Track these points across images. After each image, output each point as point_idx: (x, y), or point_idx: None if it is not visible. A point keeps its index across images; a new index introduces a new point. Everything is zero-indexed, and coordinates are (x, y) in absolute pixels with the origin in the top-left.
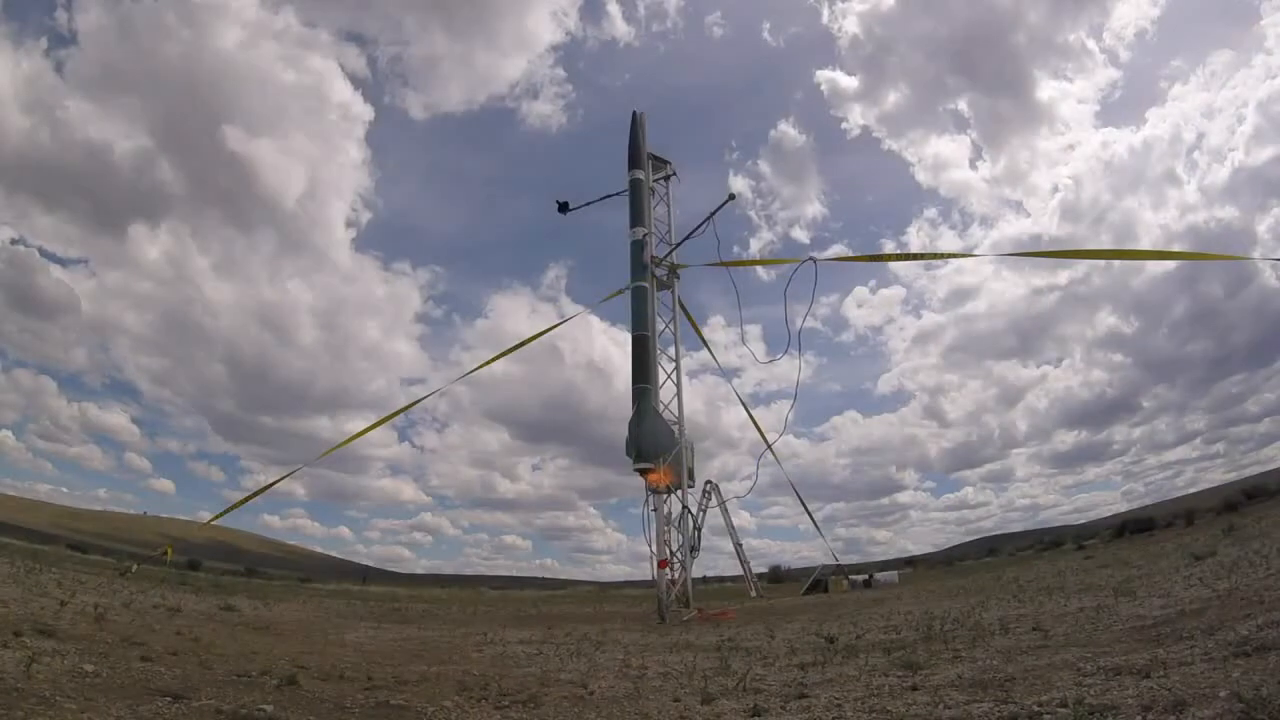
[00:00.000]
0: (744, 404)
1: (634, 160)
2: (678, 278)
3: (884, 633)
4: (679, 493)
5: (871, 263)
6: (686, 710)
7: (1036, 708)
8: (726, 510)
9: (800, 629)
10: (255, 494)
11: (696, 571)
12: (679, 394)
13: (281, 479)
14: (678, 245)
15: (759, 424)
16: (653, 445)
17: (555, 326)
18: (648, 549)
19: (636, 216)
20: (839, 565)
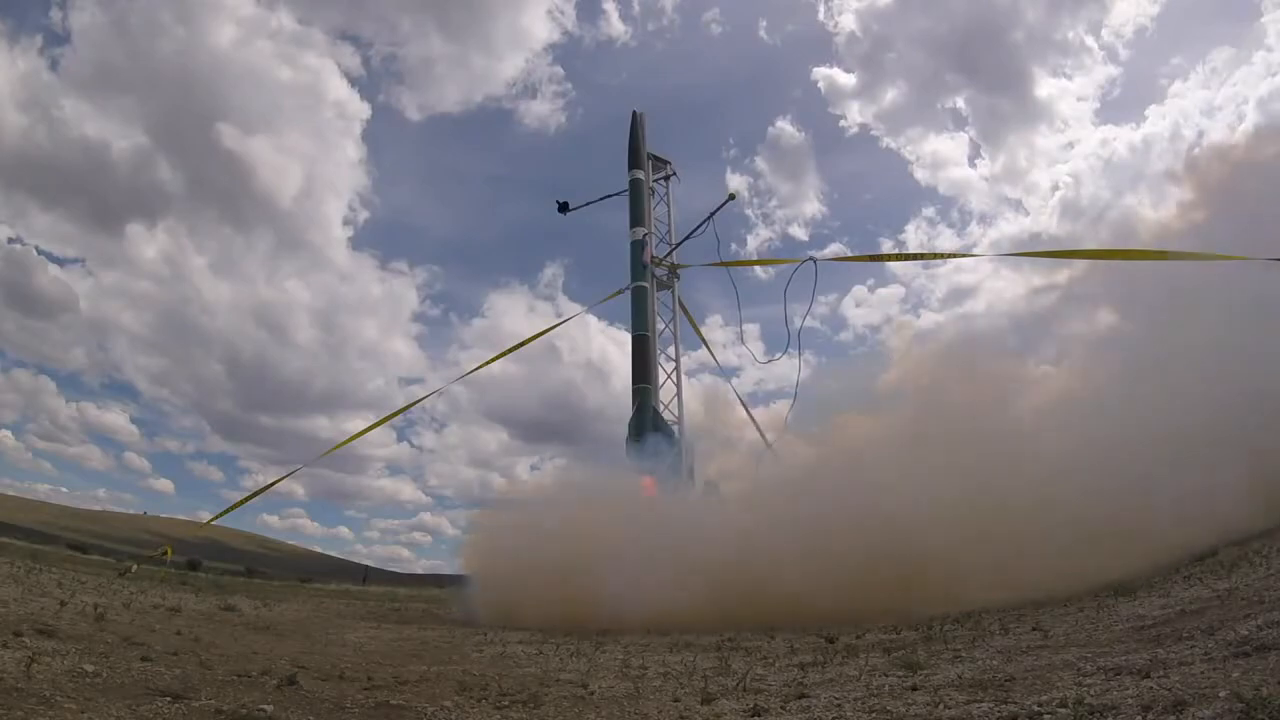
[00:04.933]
0: (744, 403)
1: (634, 160)
2: (678, 278)
3: (884, 633)
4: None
5: (871, 262)
6: (686, 710)
7: (1036, 708)
8: None
9: (800, 629)
10: (255, 494)
11: None
12: (679, 394)
13: (281, 479)
14: (678, 245)
15: (758, 424)
16: (652, 446)
17: (555, 326)
18: None
19: (636, 216)
20: None
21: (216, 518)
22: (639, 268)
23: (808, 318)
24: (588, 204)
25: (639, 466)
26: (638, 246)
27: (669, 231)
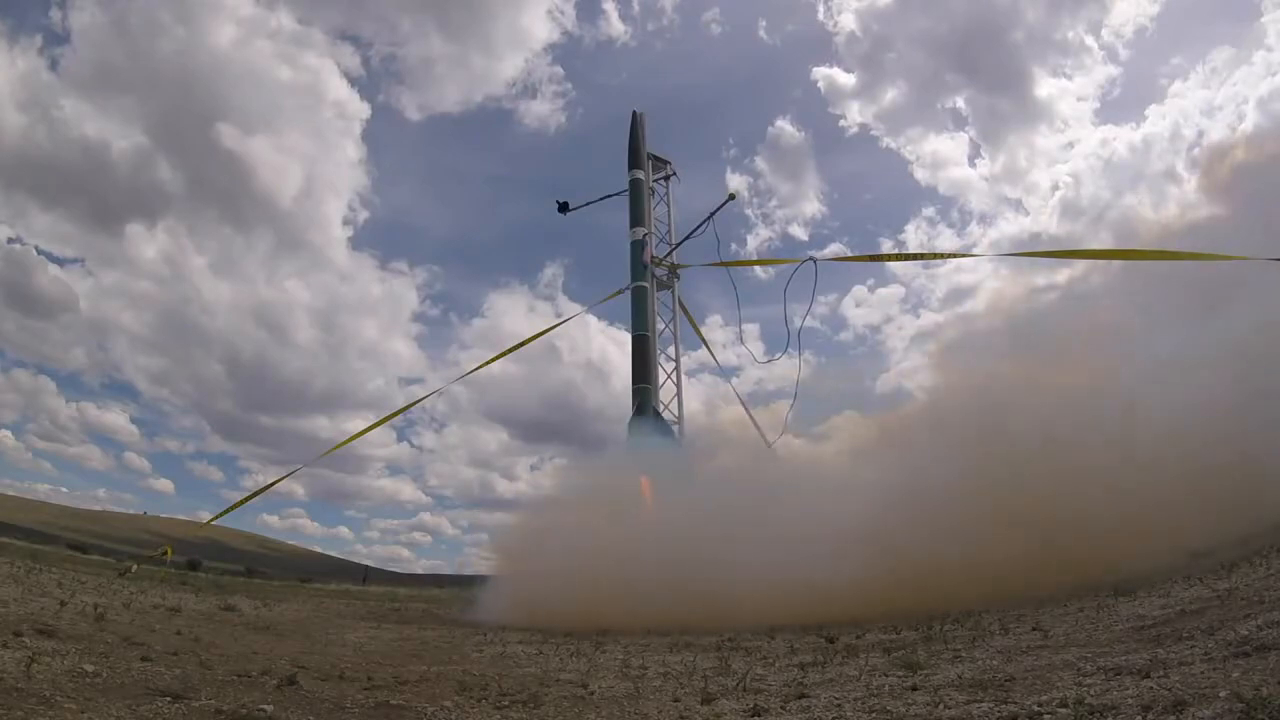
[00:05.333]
0: (743, 403)
1: (634, 160)
2: (678, 278)
3: (884, 633)
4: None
5: (871, 262)
6: (686, 710)
7: (1036, 708)
8: None
9: (800, 629)
10: (255, 494)
11: None
12: (679, 394)
13: (281, 479)
14: (678, 245)
15: (758, 424)
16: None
17: (555, 326)
18: None
19: (636, 216)
20: None
21: (216, 518)
22: (639, 268)
23: (808, 318)
24: (588, 204)
25: (639, 466)
26: (638, 246)
27: (669, 231)
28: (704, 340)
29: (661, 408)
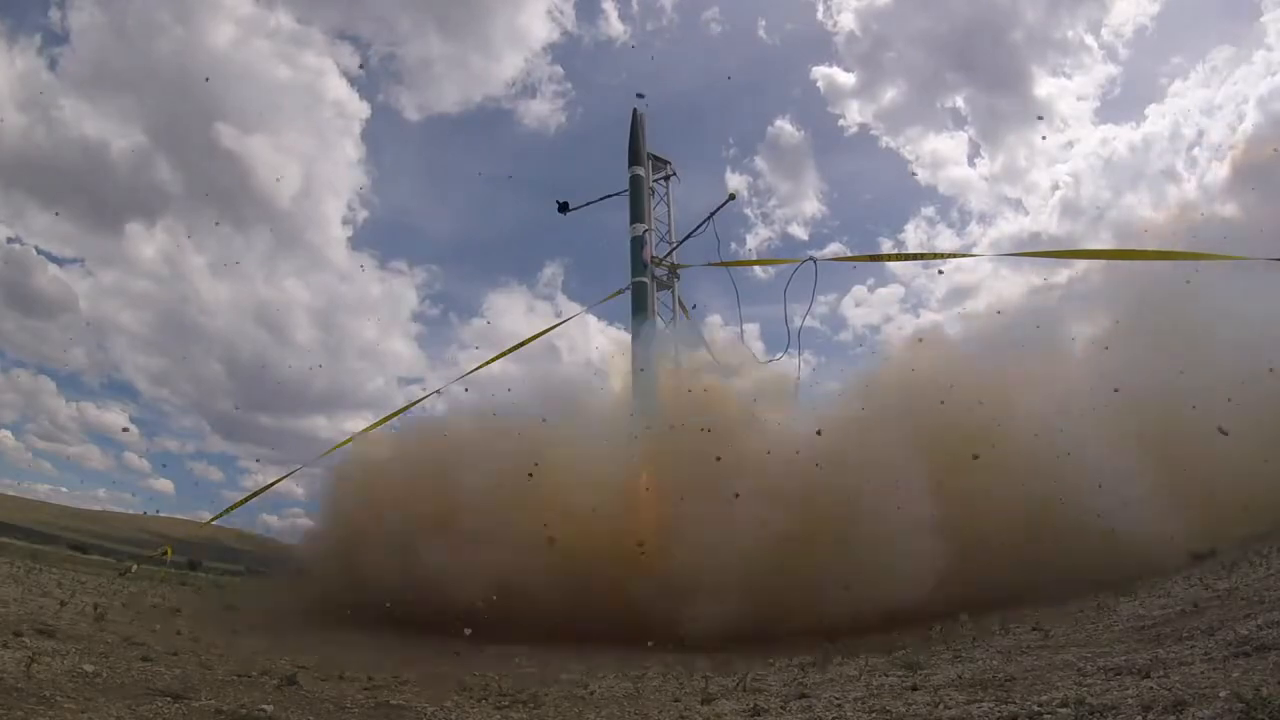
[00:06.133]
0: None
1: (634, 157)
2: (678, 278)
3: (884, 633)
4: None
5: (871, 262)
6: (686, 710)
7: (1036, 708)
8: None
9: (800, 629)
10: (255, 494)
11: None
12: None
13: (282, 479)
14: (677, 245)
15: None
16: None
17: (555, 326)
18: None
19: (636, 213)
20: None
21: (216, 518)
22: (639, 264)
23: (808, 318)
24: (588, 204)
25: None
26: (638, 243)
27: (669, 231)
28: (705, 341)
29: None
